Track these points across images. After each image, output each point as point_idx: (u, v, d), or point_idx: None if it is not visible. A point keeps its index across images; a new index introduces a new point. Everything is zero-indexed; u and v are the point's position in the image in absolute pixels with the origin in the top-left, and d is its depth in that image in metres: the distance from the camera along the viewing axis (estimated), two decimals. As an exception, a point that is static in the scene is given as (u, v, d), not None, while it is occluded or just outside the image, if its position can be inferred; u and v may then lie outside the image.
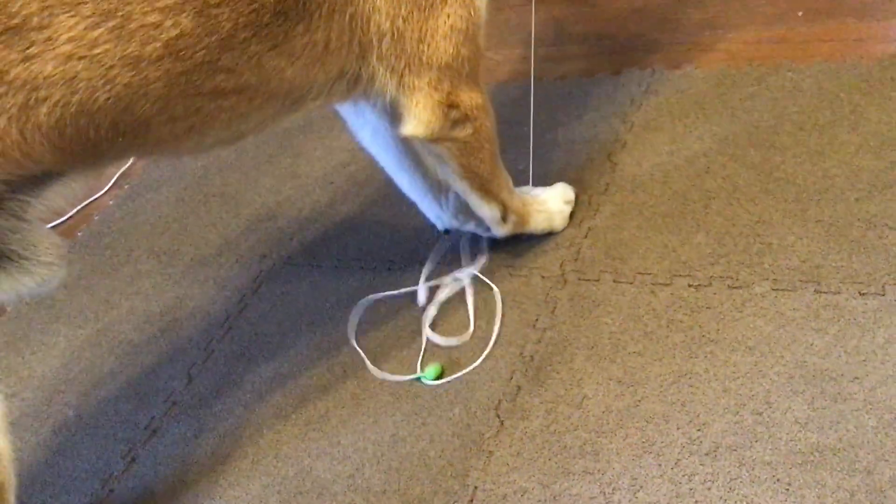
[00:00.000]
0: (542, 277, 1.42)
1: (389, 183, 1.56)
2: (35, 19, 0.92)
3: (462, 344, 1.36)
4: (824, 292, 1.21)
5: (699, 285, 1.30)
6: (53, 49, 0.93)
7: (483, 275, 1.45)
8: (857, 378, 1.10)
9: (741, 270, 1.29)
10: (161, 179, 2.04)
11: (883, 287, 1.18)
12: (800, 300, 1.21)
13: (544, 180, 1.55)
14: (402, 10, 1.12)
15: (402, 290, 1.48)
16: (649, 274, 1.35)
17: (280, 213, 1.80)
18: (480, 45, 1.24)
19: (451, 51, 1.18)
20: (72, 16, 0.93)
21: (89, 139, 1.01)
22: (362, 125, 1.45)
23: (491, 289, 1.42)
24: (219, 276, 1.70)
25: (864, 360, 1.11)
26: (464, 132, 1.27)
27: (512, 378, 1.28)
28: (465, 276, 1.46)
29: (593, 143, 1.64)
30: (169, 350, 1.57)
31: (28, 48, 0.92)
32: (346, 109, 1.44)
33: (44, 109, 0.96)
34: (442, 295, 1.45)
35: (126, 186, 2.08)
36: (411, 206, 1.56)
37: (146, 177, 2.07)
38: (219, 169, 2.01)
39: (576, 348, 1.28)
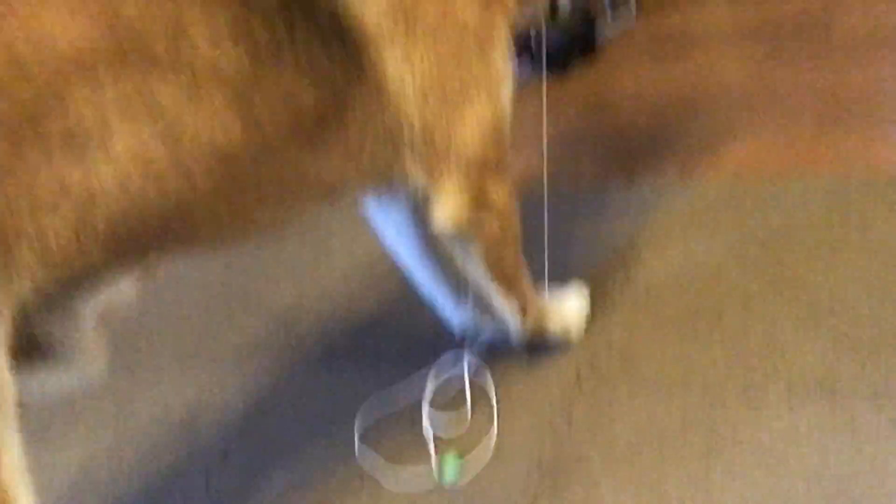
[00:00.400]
0: (558, 382, 1.44)
1: (406, 283, 1.59)
2: (96, 133, 0.98)
3: (470, 441, 1.36)
4: (839, 402, 1.22)
5: (714, 393, 1.31)
6: (112, 160, 0.99)
7: (497, 377, 1.47)
8: (872, 487, 1.10)
9: (755, 377, 1.30)
10: (183, 279, 2.09)
11: (897, 399, 1.20)
12: (814, 408, 1.22)
13: (560, 286, 1.58)
14: (432, 109, 1.18)
15: (405, 399, 1.50)
16: (664, 382, 1.36)
17: (300, 314, 1.83)
18: (506, 141, 1.30)
19: (478, 147, 1.24)
20: (130, 129, 0.99)
21: (140, 240, 1.06)
22: (387, 222, 1.50)
23: (493, 383, 1.44)
24: (238, 379, 1.72)
25: (880, 471, 1.12)
26: (491, 225, 1.32)
27: (528, 486, 1.28)
28: (470, 370, 1.48)
29: (608, 249, 1.68)
30: (187, 455, 1.58)
31: (88, 160, 0.98)
32: (370, 207, 1.49)
33: (100, 215, 1.00)
34: (449, 391, 1.47)
35: (149, 285, 2.12)
36: (429, 307, 1.59)
37: (168, 275, 2.11)
38: (241, 268, 2.06)
39: (592, 453, 1.29)
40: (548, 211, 1.70)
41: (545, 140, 1.73)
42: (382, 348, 1.66)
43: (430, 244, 1.49)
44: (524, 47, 2.45)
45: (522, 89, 2.39)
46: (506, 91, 1.28)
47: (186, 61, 1.01)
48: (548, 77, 2.38)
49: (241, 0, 1.03)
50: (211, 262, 2.10)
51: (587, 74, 2.38)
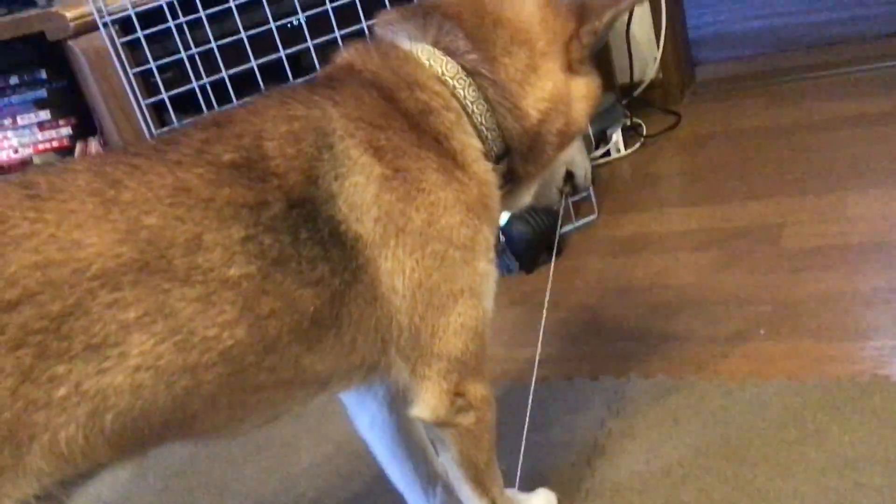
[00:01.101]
0: (525, 587, 1.43)
1: (374, 477, 1.60)
2: (115, 340, 1.03)
3: None
4: None
5: None
6: (125, 363, 1.03)
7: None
8: None
9: (721, 589, 1.32)
10: (146, 467, 2.05)
11: None
12: None
13: (525, 483, 1.60)
14: (419, 310, 1.24)
15: None
16: (631, 589, 1.37)
17: (264, 506, 1.82)
18: (486, 342, 1.35)
19: (460, 346, 1.29)
20: (144, 333, 1.04)
21: (142, 436, 1.09)
22: (361, 412, 1.53)
23: None
24: (200, 574, 1.68)
25: None
26: (467, 420, 1.35)
27: None
28: None
29: (573, 447, 1.71)
30: None
31: (103, 363, 1.02)
32: (346, 397, 1.52)
33: (109, 416, 1.04)
34: None
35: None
36: (396, 499, 1.59)
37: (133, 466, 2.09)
38: (206, 457, 2.04)
39: None
40: (529, 409, 1.74)
41: (540, 341, 1.78)
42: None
43: (403, 436, 1.51)
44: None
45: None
46: (488, 295, 1.34)
47: (202, 272, 1.07)
48: (517, 273, 2.49)
49: (252, 216, 1.11)
50: (176, 456, 2.08)
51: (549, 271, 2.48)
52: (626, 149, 3.13)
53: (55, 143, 2.61)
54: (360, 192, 1.19)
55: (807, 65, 3.42)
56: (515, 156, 1.37)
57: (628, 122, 3.21)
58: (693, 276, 2.24)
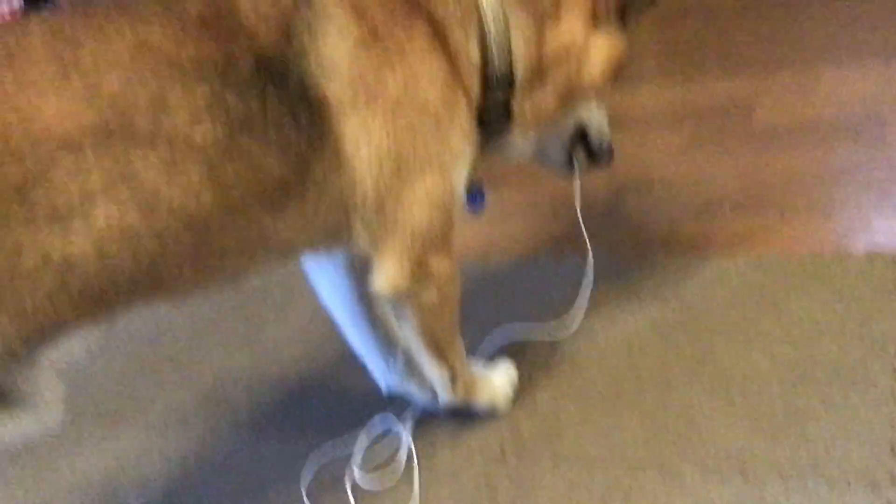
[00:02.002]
0: (483, 455, 1.46)
1: (336, 352, 1.61)
2: (79, 205, 1.01)
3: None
4: (750, 479, 1.27)
5: (633, 469, 1.34)
6: (92, 229, 1.02)
7: (422, 445, 1.49)
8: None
9: (673, 456, 1.34)
10: (113, 340, 2.07)
11: (805, 479, 1.25)
12: (727, 488, 1.27)
13: (487, 357, 1.61)
14: (385, 180, 1.22)
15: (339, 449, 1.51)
16: (586, 456, 1.39)
17: (230, 383, 1.83)
18: (453, 216, 1.33)
19: (424, 218, 1.28)
20: (110, 200, 1.02)
21: (110, 299, 1.09)
22: (323, 280, 1.53)
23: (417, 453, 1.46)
24: (164, 444, 1.70)
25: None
26: (428, 295, 1.35)
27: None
28: (397, 438, 1.50)
29: (536, 322, 1.72)
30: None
31: (68, 230, 1.01)
32: (309, 265, 1.52)
33: (77, 282, 1.04)
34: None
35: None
36: (357, 374, 1.61)
37: (99, 337, 2.09)
38: (172, 333, 2.05)
39: (514, 529, 1.31)
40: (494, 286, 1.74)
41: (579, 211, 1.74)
42: (311, 412, 1.67)
43: (364, 305, 1.52)
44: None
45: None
46: (460, 170, 1.32)
47: (166, 135, 1.05)
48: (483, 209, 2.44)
49: (218, 75, 1.07)
50: (142, 330, 2.08)
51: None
52: (601, 23, 3.05)
53: (7, 18, 2.52)
54: (333, 50, 1.15)
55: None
56: (517, 88, 1.34)
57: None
58: (663, 153, 2.22)
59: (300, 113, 1.13)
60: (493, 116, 1.36)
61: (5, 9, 2.52)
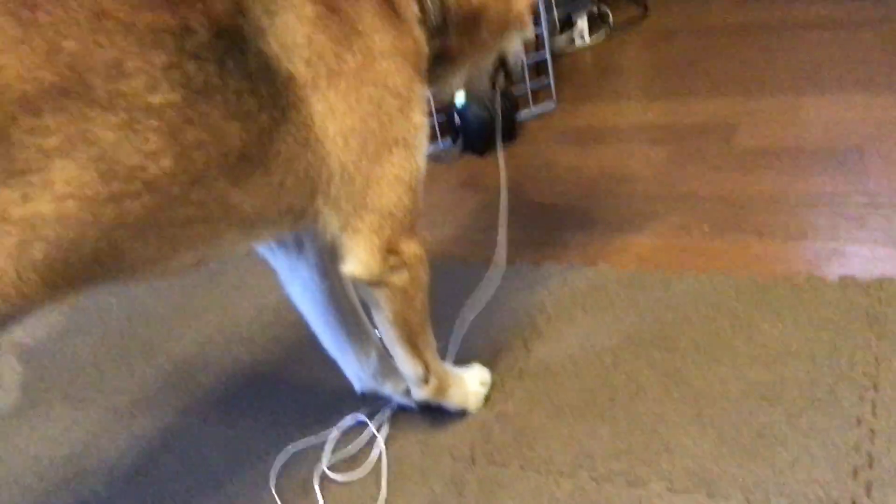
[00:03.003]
0: (452, 457, 1.46)
1: (310, 345, 1.61)
2: (38, 167, 0.99)
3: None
4: (714, 497, 1.29)
5: (600, 479, 1.36)
6: (52, 192, 1.01)
7: (392, 445, 1.49)
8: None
9: (640, 468, 1.36)
10: (83, 323, 2.05)
11: (768, 497, 1.27)
12: (692, 503, 1.28)
13: (462, 360, 1.62)
14: (352, 158, 1.22)
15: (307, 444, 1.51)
16: (554, 463, 1.41)
17: (200, 366, 1.82)
18: (419, 198, 1.34)
19: (394, 198, 1.28)
20: (67, 160, 1.01)
21: (72, 271, 1.07)
22: (293, 279, 1.52)
23: (387, 454, 1.46)
24: (131, 429, 1.69)
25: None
26: (400, 278, 1.35)
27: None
28: (366, 436, 1.50)
29: (511, 328, 1.73)
30: (72, 502, 1.55)
31: (27, 190, 1.00)
32: (278, 262, 1.51)
33: (38, 247, 1.02)
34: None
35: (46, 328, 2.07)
36: (331, 368, 1.61)
37: (68, 319, 2.07)
38: (143, 317, 2.03)
39: (479, 532, 1.32)
40: (470, 290, 1.75)
41: (504, 212, 1.78)
42: (283, 404, 1.67)
43: (336, 303, 1.52)
44: (448, 127, 2.54)
45: (446, 166, 2.46)
46: (422, 149, 1.33)
47: (124, 99, 1.04)
48: (467, 156, 2.47)
49: (176, 42, 1.07)
50: (112, 311, 2.07)
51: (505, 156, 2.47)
52: (590, 37, 3.07)
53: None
54: (291, 31, 1.15)
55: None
56: (451, 30, 1.36)
57: (595, 10, 3.15)
58: (644, 169, 2.24)
59: (260, 85, 1.13)
60: (435, 62, 1.38)
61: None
